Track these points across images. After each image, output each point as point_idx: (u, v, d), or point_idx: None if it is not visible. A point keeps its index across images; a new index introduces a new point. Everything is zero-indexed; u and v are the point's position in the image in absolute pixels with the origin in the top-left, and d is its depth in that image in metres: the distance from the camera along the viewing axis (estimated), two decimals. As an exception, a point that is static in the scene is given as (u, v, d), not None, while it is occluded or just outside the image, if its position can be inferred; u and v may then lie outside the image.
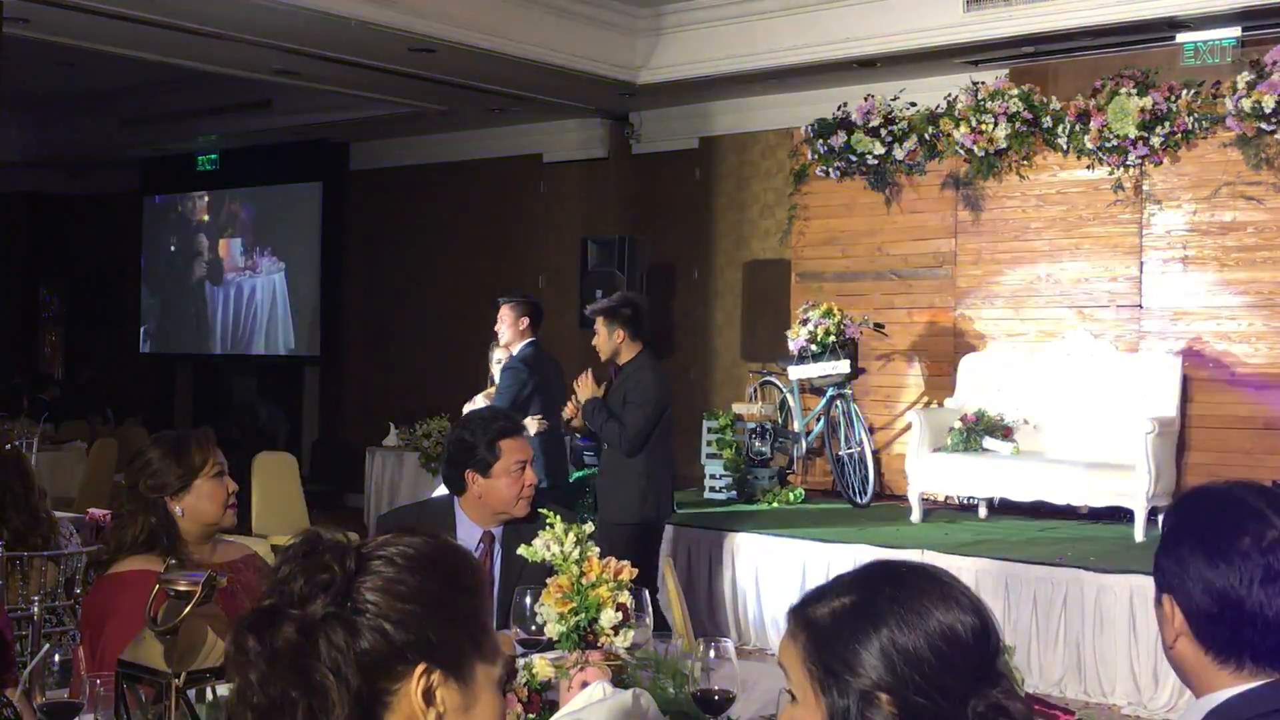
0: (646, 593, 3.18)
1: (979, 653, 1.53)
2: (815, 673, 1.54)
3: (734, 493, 9.14)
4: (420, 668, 1.45)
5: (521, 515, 3.86)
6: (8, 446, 4.44)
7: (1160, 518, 2.16)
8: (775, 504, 8.91)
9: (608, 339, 6.62)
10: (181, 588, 2.33)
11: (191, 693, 2.37)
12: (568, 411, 6.80)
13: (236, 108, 13.16)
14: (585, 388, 6.65)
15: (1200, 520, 1.91)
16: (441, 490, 4.16)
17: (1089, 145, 8.42)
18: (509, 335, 7.41)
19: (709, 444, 9.27)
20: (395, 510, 4.55)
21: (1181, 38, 8.43)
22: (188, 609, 2.30)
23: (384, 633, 1.44)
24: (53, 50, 10.27)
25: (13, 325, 16.49)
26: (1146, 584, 2.03)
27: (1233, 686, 1.86)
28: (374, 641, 1.43)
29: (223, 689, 2.34)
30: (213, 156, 14.67)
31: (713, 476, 9.29)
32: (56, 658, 2.53)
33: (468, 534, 3.87)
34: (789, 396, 9.46)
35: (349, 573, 1.45)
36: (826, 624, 1.55)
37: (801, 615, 1.58)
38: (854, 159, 9.43)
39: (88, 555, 3.61)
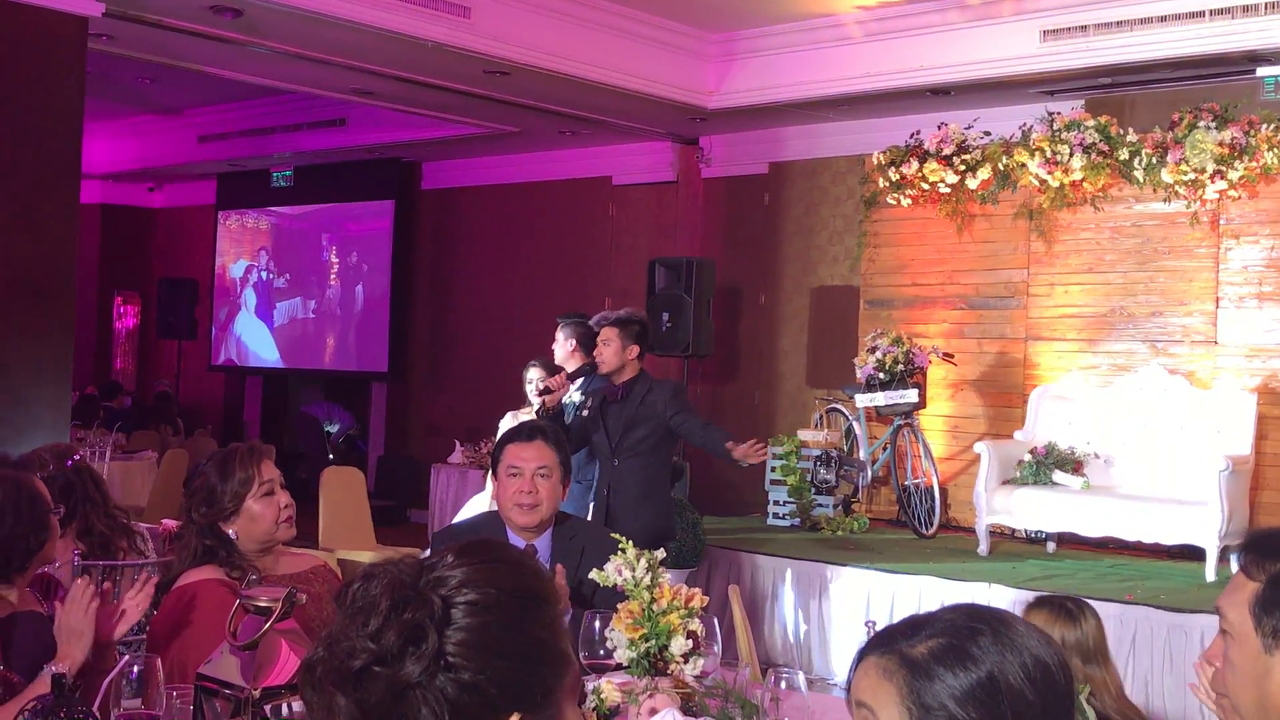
0: (716, 621, 3.18)
1: (1066, 691, 1.52)
2: (914, 712, 1.51)
3: (797, 520, 9.10)
4: (514, 718, 1.44)
5: (521, 523, 3.79)
6: (76, 457, 4.51)
7: (1237, 558, 2.14)
8: (839, 532, 8.83)
9: (621, 352, 6.34)
10: (262, 604, 2.36)
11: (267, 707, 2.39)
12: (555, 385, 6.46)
13: (312, 125, 13.36)
14: None
15: None
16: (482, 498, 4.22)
17: (1166, 178, 8.32)
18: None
19: (773, 470, 9.24)
20: (449, 529, 4.43)
21: (1261, 71, 8.32)
22: (268, 625, 2.33)
23: (478, 688, 1.42)
24: (136, 66, 10.48)
25: (87, 335, 16.76)
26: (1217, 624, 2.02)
27: None
28: (467, 698, 1.41)
29: (298, 704, 2.36)
30: (287, 173, 14.84)
31: (776, 503, 9.27)
32: (136, 669, 2.56)
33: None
34: (855, 424, 9.41)
35: (439, 624, 1.43)
36: (925, 663, 1.52)
37: (895, 652, 1.54)
38: (926, 187, 9.38)
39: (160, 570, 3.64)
